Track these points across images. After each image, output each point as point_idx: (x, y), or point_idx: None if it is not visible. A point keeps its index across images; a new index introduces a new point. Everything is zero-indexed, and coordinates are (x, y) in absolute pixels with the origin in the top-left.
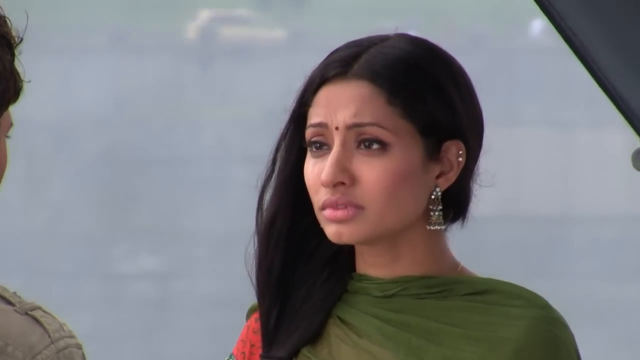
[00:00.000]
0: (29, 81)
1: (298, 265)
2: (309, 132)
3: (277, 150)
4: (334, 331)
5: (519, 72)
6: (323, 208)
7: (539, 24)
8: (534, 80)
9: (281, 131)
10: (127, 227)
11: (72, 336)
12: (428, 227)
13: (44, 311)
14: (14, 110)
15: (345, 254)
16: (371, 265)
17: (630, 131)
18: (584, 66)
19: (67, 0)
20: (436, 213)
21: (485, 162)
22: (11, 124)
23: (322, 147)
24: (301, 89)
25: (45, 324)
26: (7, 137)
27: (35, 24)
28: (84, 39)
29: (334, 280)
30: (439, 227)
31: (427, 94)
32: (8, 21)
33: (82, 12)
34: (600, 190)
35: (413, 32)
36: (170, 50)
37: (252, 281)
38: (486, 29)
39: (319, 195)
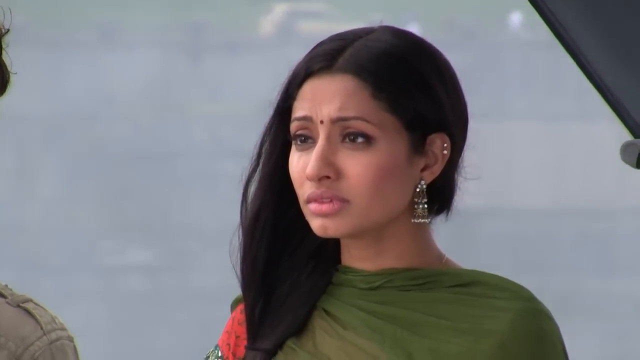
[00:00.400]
0: (16, 73)
1: (283, 259)
2: (293, 126)
3: (261, 144)
4: (319, 323)
5: (506, 65)
6: (308, 201)
7: (518, 17)
8: (521, 73)
9: (266, 125)
10: (118, 221)
11: (63, 329)
12: (413, 220)
13: (35, 303)
14: (5, 104)
15: (330, 247)
16: (356, 258)
17: (619, 124)
18: (574, 60)
19: None
20: (421, 206)
21: (475, 155)
22: None
23: (307, 140)
24: (285, 82)
25: (37, 316)
26: None
27: (27, 19)
28: (74, 34)
29: (319, 273)
30: (423, 220)
31: (412, 88)
32: None
33: (73, 7)
34: (590, 184)
35: (413, 26)
36: (160, 46)
37: (237, 274)
38: (472, 23)
39: (303, 189)
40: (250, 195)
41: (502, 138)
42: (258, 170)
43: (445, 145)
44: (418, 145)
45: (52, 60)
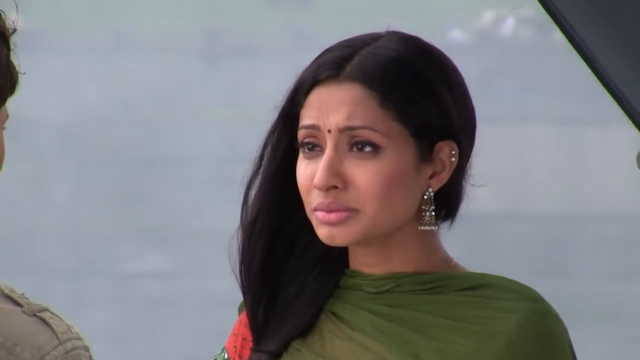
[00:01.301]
0: (24, 73)
1: (289, 262)
2: (301, 134)
3: (264, 147)
4: (327, 326)
5: (521, 69)
6: (315, 210)
7: (511, 21)
8: (537, 77)
9: (269, 128)
10: (133, 226)
11: (79, 338)
12: (420, 228)
13: (51, 313)
14: (20, 110)
15: (337, 251)
16: (364, 263)
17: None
18: (588, 66)
19: (72, 0)
20: (428, 213)
21: (490, 160)
22: (7, 116)
23: (315, 148)
24: (292, 88)
25: (53, 325)
26: (4, 129)
27: (41, 26)
28: (89, 40)
29: (325, 276)
30: (430, 228)
31: (420, 96)
32: (2, 14)
33: (88, 13)
34: (607, 188)
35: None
36: (176, 51)
37: (235, 277)
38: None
39: (311, 197)
40: (251, 199)
41: (517, 142)
42: (260, 173)
43: (453, 152)
44: (425, 153)
45: (67, 66)
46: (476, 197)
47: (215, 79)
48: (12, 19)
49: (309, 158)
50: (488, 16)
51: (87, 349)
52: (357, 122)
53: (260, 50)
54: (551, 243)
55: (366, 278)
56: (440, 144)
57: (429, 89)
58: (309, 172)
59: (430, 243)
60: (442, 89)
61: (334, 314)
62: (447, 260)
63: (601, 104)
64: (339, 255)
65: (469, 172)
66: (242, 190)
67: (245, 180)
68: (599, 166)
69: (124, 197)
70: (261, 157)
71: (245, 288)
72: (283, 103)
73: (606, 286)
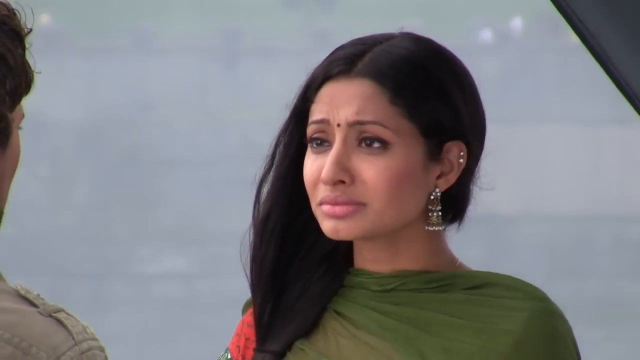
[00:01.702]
0: (40, 72)
1: (295, 261)
2: (310, 129)
3: (276, 145)
4: (331, 325)
5: (542, 70)
6: (321, 204)
7: (519, 22)
8: (557, 78)
9: (281, 126)
10: (152, 227)
11: (95, 339)
12: (427, 228)
13: (67, 313)
14: (40, 111)
15: (342, 250)
16: (369, 260)
17: None
18: (602, 67)
19: (93, 2)
20: (435, 214)
21: (511, 160)
22: (23, 116)
23: (323, 143)
24: (303, 85)
25: (68, 326)
26: (20, 128)
27: (62, 27)
28: (109, 41)
29: (330, 276)
30: (437, 228)
31: (431, 95)
32: (17, 14)
33: (108, 14)
34: (626, 188)
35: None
36: (195, 52)
37: (246, 275)
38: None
39: (317, 192)
40: (263, 196)
41: (538, 143)
42: (272, 171)
43: (461, 153)
44: (434, 153)
45: (88, 67)
46: (496, 197)
47: (234, 80)
48: (25, 20)
49: (316, 153)
50: (514, 19)
51: (102, 349)
52: (366, 117)
53: (279, 52)
54: (571, 244)
55: (371, 276)
56: (449, 144)
57: (441, 89)
58: (315, 166)
59: (436, 242)
60: (454, 90)
61: (338, 312)
62: (453, 261)
63: (621, 105)
64: (344, 255)
65: (477, 175)
66: (254, 189)
67: (257, 179)
68: (619, 167)
69: (143, 198)
70: (273, 156)
71: (255, 287)
72: (294, 100)
73: (625, 286)
